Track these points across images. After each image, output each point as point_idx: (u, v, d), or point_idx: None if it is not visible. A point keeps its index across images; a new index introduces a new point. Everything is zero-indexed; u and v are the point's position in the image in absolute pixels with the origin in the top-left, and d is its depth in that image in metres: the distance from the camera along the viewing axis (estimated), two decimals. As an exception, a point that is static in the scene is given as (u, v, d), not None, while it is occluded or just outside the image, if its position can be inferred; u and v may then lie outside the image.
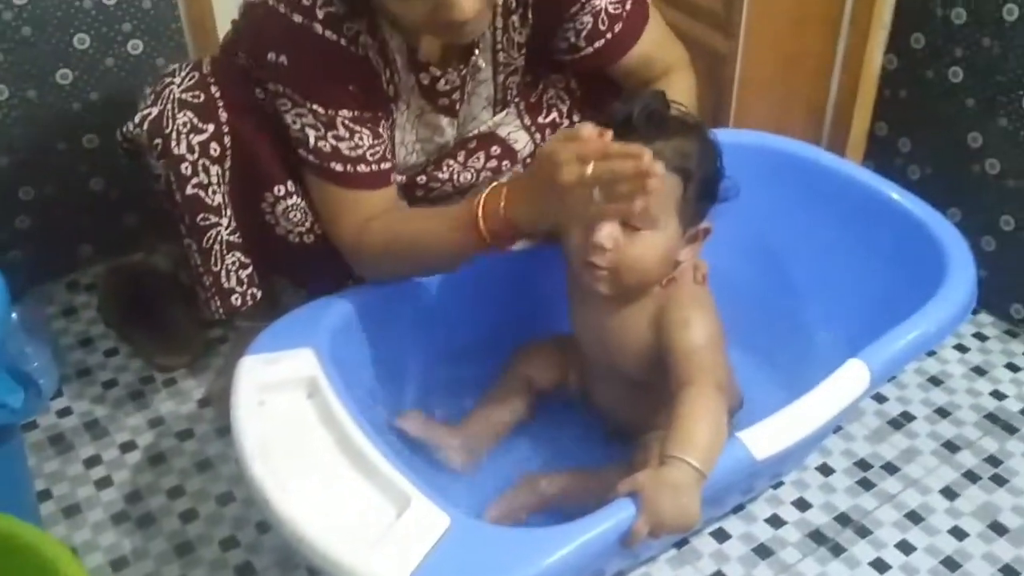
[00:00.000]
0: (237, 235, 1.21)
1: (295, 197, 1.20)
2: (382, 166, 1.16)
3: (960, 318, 1.17)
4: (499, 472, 1.22)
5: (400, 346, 1.27)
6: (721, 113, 1.70)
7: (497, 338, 1.31)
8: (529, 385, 1.28)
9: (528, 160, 1.36)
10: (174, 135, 1.14)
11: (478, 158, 1.34)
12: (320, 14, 1.08)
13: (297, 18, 1.08)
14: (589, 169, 0.94)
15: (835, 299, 1.35)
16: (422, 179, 1.31)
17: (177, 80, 1.17)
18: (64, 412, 1.40)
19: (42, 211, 1.58)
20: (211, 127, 1.15)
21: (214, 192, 1.17)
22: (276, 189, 1.19)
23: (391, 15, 1.09)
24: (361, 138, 1.13)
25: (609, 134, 0.97)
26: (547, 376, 1.29)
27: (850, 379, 1.08)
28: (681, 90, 1.24)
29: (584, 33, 1.22)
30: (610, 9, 1.21)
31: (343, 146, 1.12)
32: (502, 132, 1.34)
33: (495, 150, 1.34)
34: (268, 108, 1.17)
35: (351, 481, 0.99)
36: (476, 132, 1.32)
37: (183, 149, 1.15)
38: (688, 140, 1.08)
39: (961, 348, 1.50)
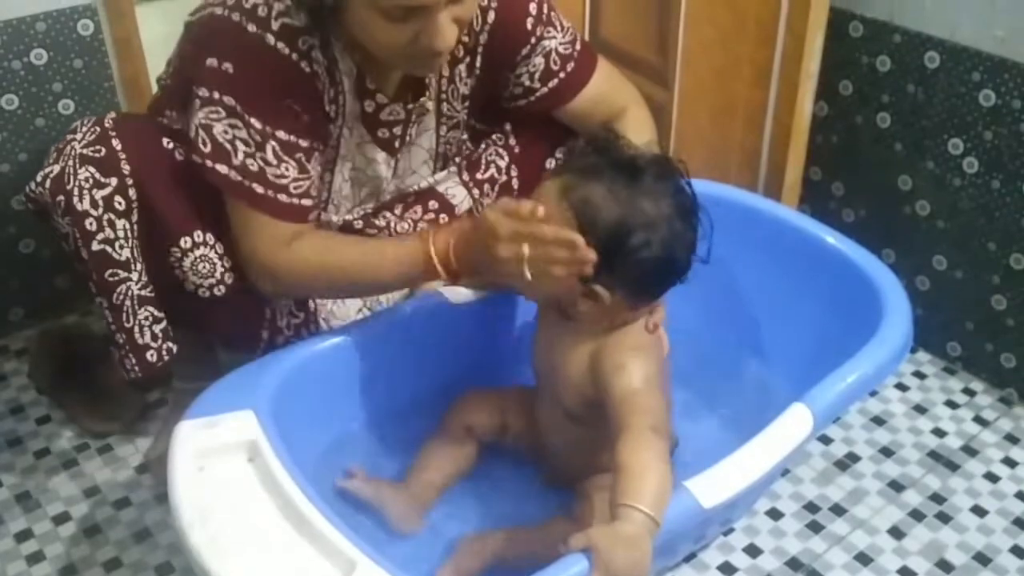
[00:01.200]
0: (149, 289, 1.18)
1: (203, 248, 1.17)
2: (302, 202, 1.14)
3: (899, 358, 1.18)
4: (445, 531, 1.20)
5: (342, 404, 1.25)
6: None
7: (441, 393, 1.30)
8: (469, 433, 1.26)
9: (465, 214, 1.36)
10: (76, 191, 1.11)
11: (416, 211, 1.34)
12: (275, 25, 1.07)
13: (251, 28, 1.07)
14: (525, 250, 1.02)
15: (775, 341, 1.37)
16: (359, 224, 1.30)
17: (79, 136, 1.15)
18: (-8, 485, 1.35)
19: (-33, 276, 1.54)
20: (114, 180, 1.13)
21: (121, 247, 1.14)
22: (183, 241, 1.16)
23: (358, 38, 1.09)
24: (288, 168, 1.11)
25: (542, 211, 1.01)
26: (487, 422, 1.27)
27: (794, 423, 1.09)
28: (637, 127, 1.25)
29: (537, 75, 1.23)
30: (560, 50, 1.23)
31: (269, 171, 1.11)
32: (440, 188, 1.34)
33: (433, 204, 1.34)
34: (179, 156, 1.15)
35: (295, 547, 0.96)
36: (415, 188, 1.32)
37: (86, 204, 1.12)
38: (617, 200, 1.03)
39: (902, 387, 1.52)
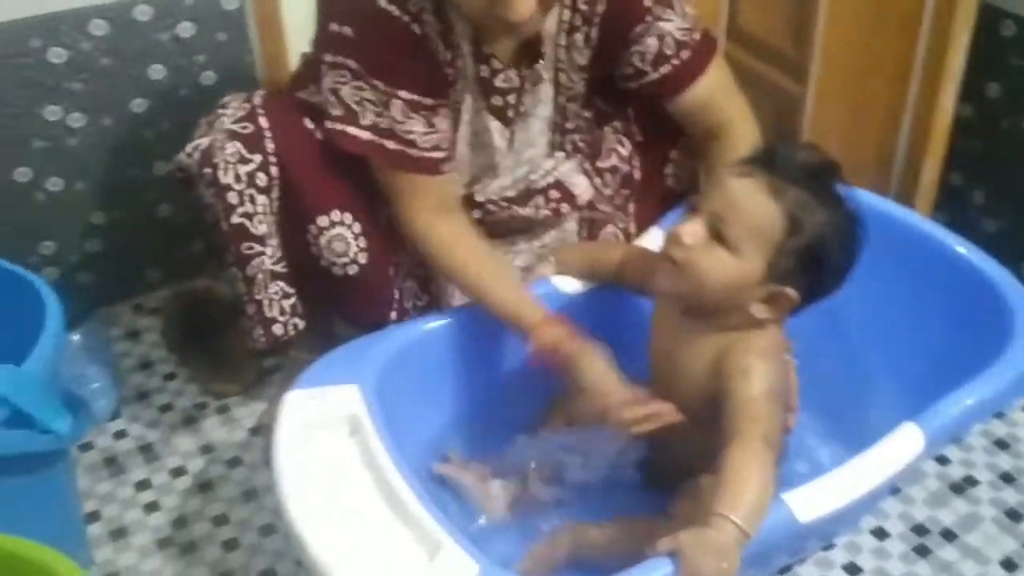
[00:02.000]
0: (281, 265, 1.23)
1: (339, 227, 1.21)
2: (433, 154, 1.17)
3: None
4: (534, 520, 1.20)
5: (449, 386, 1.27)
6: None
7: (547, 386, 1.30)
8: (571, 426, 1.26)
9: (587, 205, 1.35)
10: (222, 164, 1.17)
11: (538, 202, 1.34)
12: None
13: None
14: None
15: (895, 354, 1.31)
16: (480, 197, 1.31)
17: (228, 112, 1.20)
18: (120, 435, 1.43)
19: (112, 235, 1.63)
20: (258, 157, 1.17)
21: (259, 222, 1.19)
22: (320, 219, 1.20)
23: (455, 2, 1.10)
24: (415, 124, 1.14)
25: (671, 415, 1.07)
26: (589, 416, 1.26)
27: (904, 443, 1.04)
28: (745, 145, 1.21)
29: (649, 57, 1.21)
30: (677, 35, 1.20)
31: (397, 128, 1.13)
32: (562, 176, 1.33)
33: (554, 194, 1.34)
34: (320, 136, 1.18)
35: (385, 523, 0.98)
36: (536, 173, 1.32)
37: (230, 178, 1.17)
38: (821, 205, 1.03)
39: (1032, 410, 1.44)
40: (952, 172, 1.52)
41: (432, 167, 1.17)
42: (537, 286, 1.30)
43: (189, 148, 1.21)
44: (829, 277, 1.06)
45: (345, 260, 1.23)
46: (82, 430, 1.08)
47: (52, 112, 1.48)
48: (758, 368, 1.05)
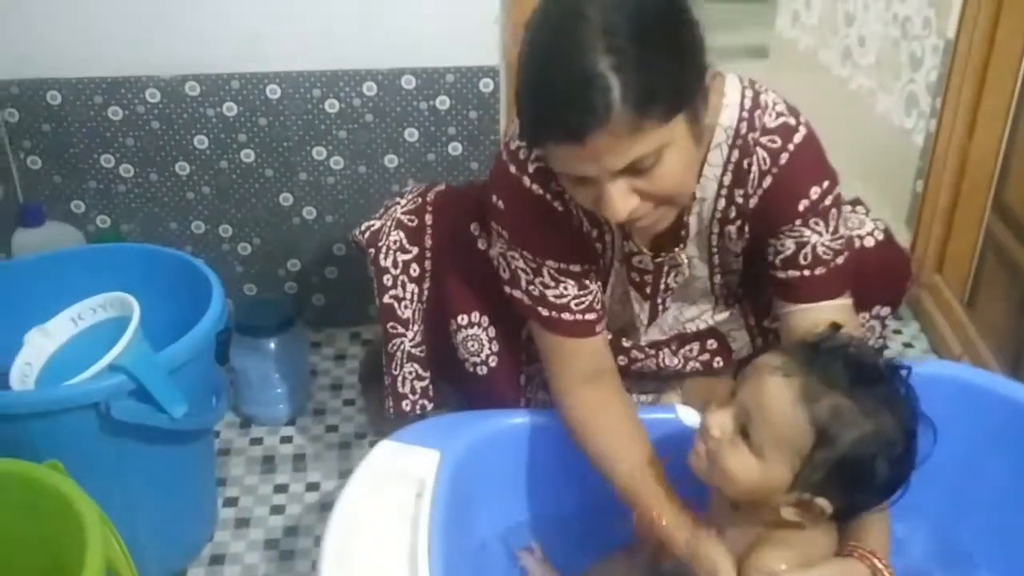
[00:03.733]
0: (420, 349, 1.32)
1: (476, 328, 1.27)
2: (587, 316, 1.18)
3: None
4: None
5: (544, 481, 1.28)
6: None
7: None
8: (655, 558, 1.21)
9: (743, 360, 1.31)
10: (384, 248, 1.29)
11: (692, 349, 1.32)
12: (531, 168, 1.12)
13: (512, 169, 1.14)
14: None
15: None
16: (627, 343, 1.31)
17: (403, 202, 1.32)
18: (286, 439, 1.60)
19: (348, 266, 1.83)
20: (416, 250, 1.28)
21: (406, 306, 1.30)
22: (460, 318, 1.27)
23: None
24: (566, 287, 1.16)
25: None
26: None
27: None
28: None
29: (781, 256, 1.12)
30: (819, 249, 1.10)
31: (549, 293, 1.16)
32: (723, 328, 1.30)
33: (711, 344, 1.31)
34: (481, 244, 1.25)
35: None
36: (696, 329, 1.30)
37: (389, 263, 1.29)
38: (865, 415, 0.93)
39: None
40: None
41: (587, 330, 1.18)
42: (660, 410, 1.28)
43: (363, 226, 1.34)
44: (871, 490, 0.96)
45: (477, 360, 1.29)
46: (207, 421, 1.24)
47: (318, 152, 1.72)
48: (773, 560, 0.98)
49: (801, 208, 1.08)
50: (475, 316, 1.28)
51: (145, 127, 1.65)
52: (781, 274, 1.13)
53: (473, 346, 1.29)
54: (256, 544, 1.40)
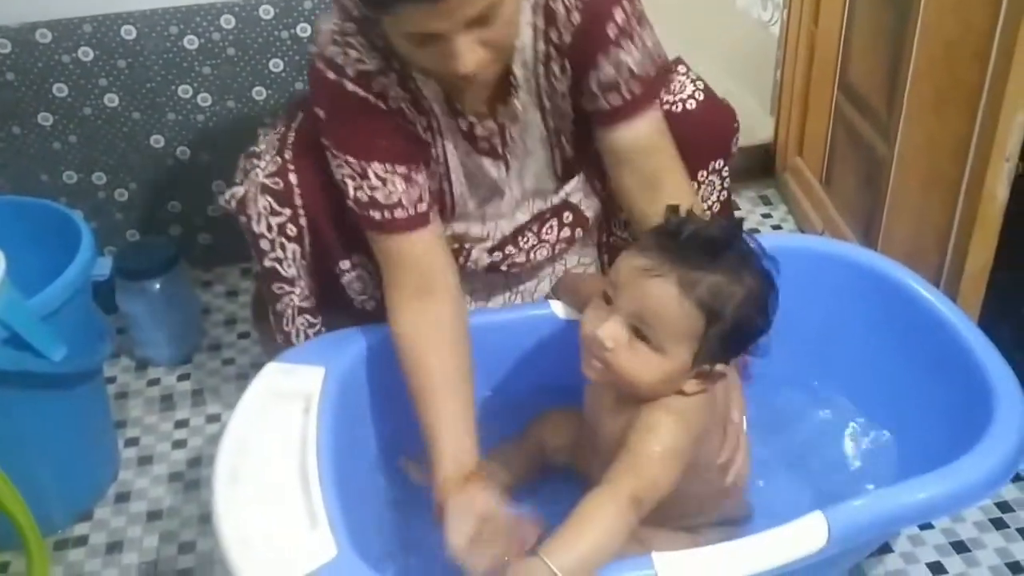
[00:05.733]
0: (308, 301, 1.35)
1: (358, 269, 1.32)
2: (418, 208, 1.21)
3: (977, 496, 1.02)
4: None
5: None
6: (874, 220, 1.59)
7: (526, 400, 1.34)
8: (541, 450, 1.29)
9: (604, 230, 1.40)
10: (255, 216, 1.28)
11: (551, 228, 1.37)
12: (350, 71, 1.15)
13: (331, 75, 1.16)
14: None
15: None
16: (497, 256, 1.37)
17: (262, 164, 1.30)
18: (183, 377, 1.63)
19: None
20: (288, 211, 1.28)
21: (288, 266, 1.31)
22: (342, 263, 1.31)
23: (419, 69, 1.15)
24: (393, 185, 1.19)
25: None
26: (560, 445, 1.28)
27: (805, 533, 0.99)
28: (684, 193, 1.22)
29: (602, 83, 1.19)
30: (633, 68, 1.18)
31: (378, 195, 1.20)
32: (574, 199, 1.36)
33: (567, 217, 1.37)
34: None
35: (288, 490, 1.06)
36: (549, 204, 1.35)
37: (263, 228, 1.29)
38: (734, 283, 1.01)
39: None
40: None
41: (421, 220, 1.21)
42: (536, 307, 1.35)
43: (227, 195, 1.32)
44: (753, 340, 1.05)
45: (364, 297, 1.34)
46: (90, 364, 1.26)
47: (184, 91, 1.71)
48: (665, 425, 1.03)
49: (611, 34, 1.16)
50: (356, 258, 1.31)
51: (-1, 79, 1.62)
52: (603, 103, 1.20)
53: (358, 286, 1.34)
54: (160, 479, 1.44)
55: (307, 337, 1.37)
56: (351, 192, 1.21)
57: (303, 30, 1.69)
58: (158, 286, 1.60)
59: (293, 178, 1.29)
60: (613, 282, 1.05)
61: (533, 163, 1.32)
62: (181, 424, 1.54)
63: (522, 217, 1.36)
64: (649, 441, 1.03)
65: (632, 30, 1.17)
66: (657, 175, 1.21)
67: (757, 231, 1.94)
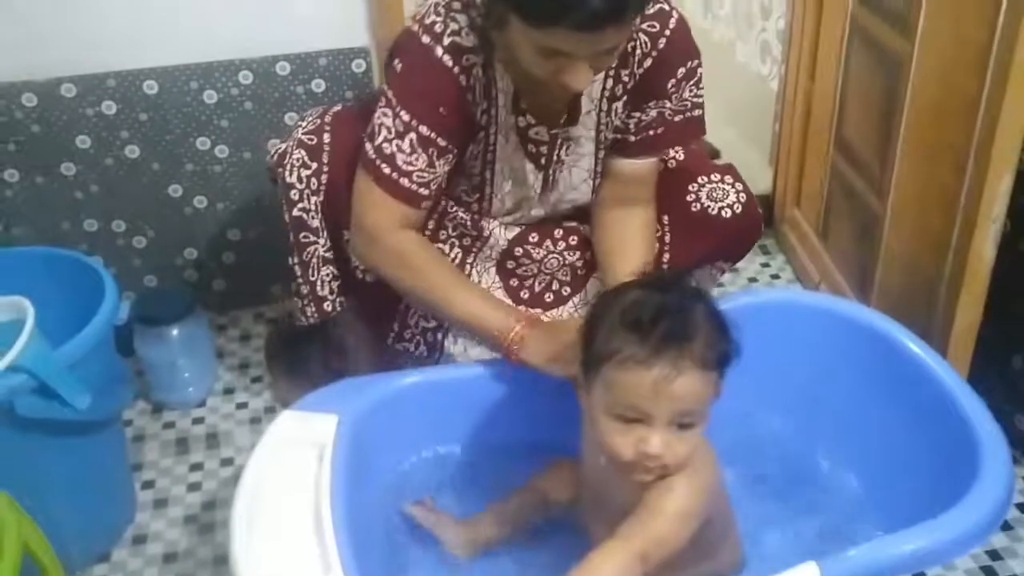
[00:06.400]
0: (331, 252, 1.43)
1: None
2: (420, 190, 1.29)
3: (966, 547, 1.06)
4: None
5: (435, 434, 1.38)
6: (868, 273, 1.63)
7: (537, 448, 1.38)
8: (544, 499, 1.33)
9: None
10: (289, 166, 1.39)
11: (566, 243, 1.47)
12: (446, 41, 1.24)
13: (426, 39, 1.24)
14: None
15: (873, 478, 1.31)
16: (519, 251, 1.46)
17: (304, 123, 1.42)
18: (198, 420, 1.68)
19: (244, 251, 1.89)
20: (315, 165, 1.38)
21: (313, 217, 1.40)
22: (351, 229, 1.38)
23: (513, 60, 1.23)
24: (418, 158, 1.27)
25: None
26: (563, 497, 1.32)
27: (799, 582, 1.03)
28: (649, 235, 1.38)
29: (642, 124, 1.33)
30: (666, 113, 1.32)
31: (400, 157, 1.27)
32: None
33: (573, 240, 1.47)
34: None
35: (301, 536, 1.11)
36: (574, 203, 1.44)
37: (294, 179, 1.38)
38: (711, 327, 1.04)
39: None
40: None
41: (415, 200, 1.30)
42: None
43: (272, 151, 1.44)
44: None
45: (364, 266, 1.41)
46: (112, 410, 1.31)
47: (202, 143, 1.77)
48: (683, 486, 1.06)
49: (670, 85, 1.29)
50: None
51: (25, 131, 1.68)
52: (631, 137, 1.33)
53: None
54: (176, 521, 1.48)
55: (331, 290, 1.45)
56: (379, 139, 1.28)
57: (318, 85, 1.76)
58: (175, 332, 1.65)
59: (327, 137, 1.39)
60: (627, 404, 1.03)
61: (569, 189, 1.42)
62: (196, 467, 1.58)
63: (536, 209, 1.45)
64: (666, 500, 1.06)
65: (685, 87, 1.30)
66: (635, 201, 1.36)
67: (755, 280, 1.99)
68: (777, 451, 1.36)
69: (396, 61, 1.27)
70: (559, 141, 1.36)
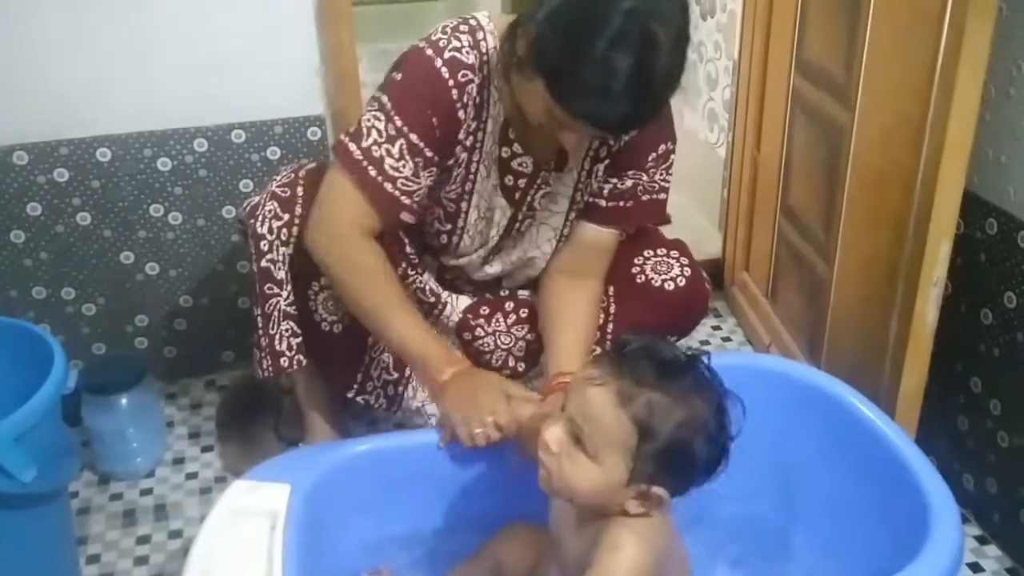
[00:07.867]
0: (294, 308, 1.43)
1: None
2: (403, 198, 1.30)
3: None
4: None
5: (391, 505, 1.35)
6: (817, 335, 1.66)
7: (493, 518, 1.37)
8: (498, 569, 1.31)
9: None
10: (261, 217, 1.40)
11: (508, 317, 1.51)
12: (446, 55, 1.26)
13: (428, 52, 1.27)
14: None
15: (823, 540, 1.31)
16: (473, 321, 1.50)
17: (279, 177, 1.44)
18: (146, 492, 1.64)
19: (196, 317, 1.88)
20: (287, 216, 1.39)
21: (279, 268, 1.41)
22: (322, 280, 1.39)
23: (516, 96, 1.25)
24: (404, 166, 1.28)
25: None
26: (519, 562, 1.31)
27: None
28: (595, 312, 1.42)
29: (615, 191, 1.37)
30: (637, 189, 1.36)
31: (388, 162, 1.28)
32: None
33: (524, 312, 1.50)
34: None
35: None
36: (533, 274, 1.48)
37: (264, 229, 1.40)
38: (677, 404, 1.03)
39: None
40: (971, 378, 1.45)
41: (394, 206, 1.30)
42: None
43: (245, 204, 1.46)
44: (697, 469, 1.06)
45: (334, 319, 1.42)
46: (58, 483, 1.28)
47: (156, 209, 1.76)
48: (629, 546, 1.06)
49: (650, 158, 1.34)
50: None
51: (-26, 199, 1.67)
52: (604, 203, 1.37)
53: (331, 305, 1.42)
54: (122, 597, 1.44)
55: (289, 345, 1.45)
56: (367, 141, 1.28)
57: (273, 153, 1.77)
58: (124, 401, 1.62)
59: (299, 189, 1.40)
60: (567, 392, 1.10)
61: (532, 246, 1.45)
62: (143, 540, 1.54)
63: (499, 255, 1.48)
64: (614, 560, 1.06)
65: (659, 168, 1.35)
66: (588, 274, 1.41)
67: (707, 343, 2.01)
68: (728, 512, 1.37)
69: (397, 72, 1.30)
70: (538, 181, 1.38)
